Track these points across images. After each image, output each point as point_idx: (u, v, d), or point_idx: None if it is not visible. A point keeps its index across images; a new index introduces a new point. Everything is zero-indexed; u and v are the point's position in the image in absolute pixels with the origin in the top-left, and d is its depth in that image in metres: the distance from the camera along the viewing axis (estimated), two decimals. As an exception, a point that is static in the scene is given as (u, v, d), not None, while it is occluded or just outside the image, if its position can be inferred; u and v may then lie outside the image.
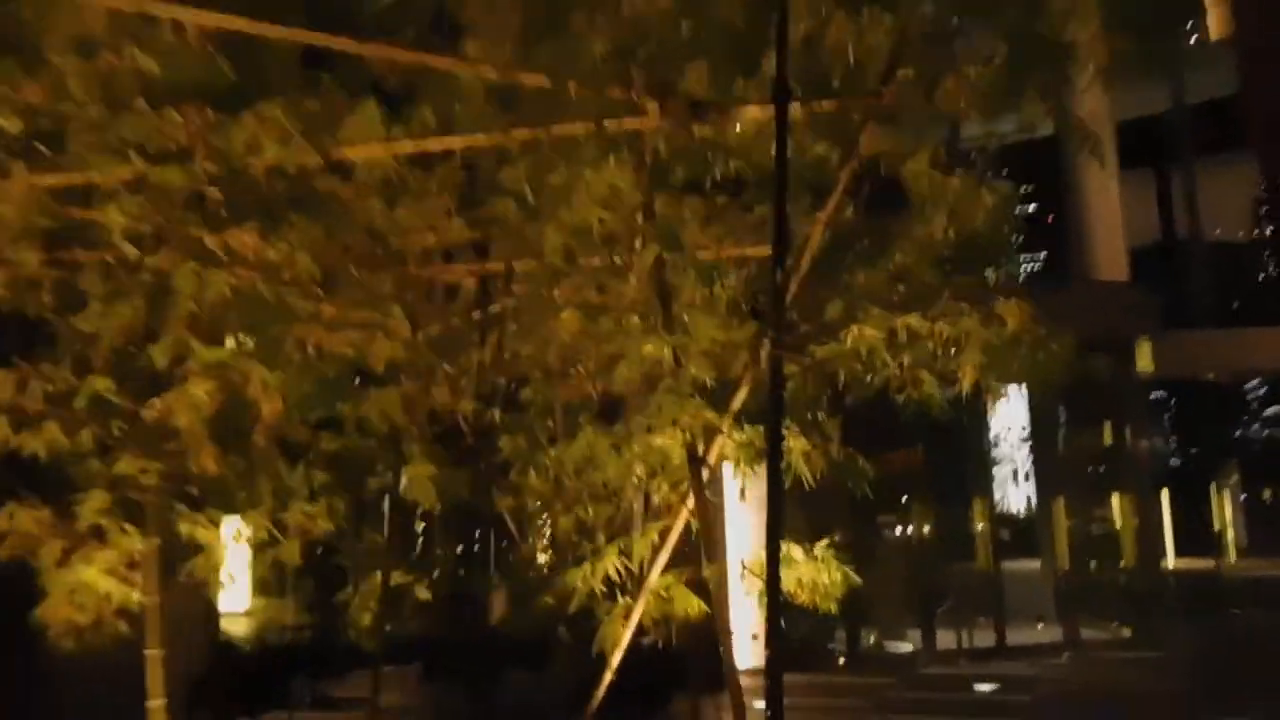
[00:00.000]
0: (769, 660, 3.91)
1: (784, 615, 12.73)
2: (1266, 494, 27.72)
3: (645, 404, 4.98)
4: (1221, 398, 25.56)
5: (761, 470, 4.41)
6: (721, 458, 5.03)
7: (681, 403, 4.79)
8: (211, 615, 10.55)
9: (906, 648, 14.76)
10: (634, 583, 5.22)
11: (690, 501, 5.09)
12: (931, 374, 4.76)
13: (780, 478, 3.99)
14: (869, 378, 4.84)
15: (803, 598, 5.20)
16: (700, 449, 4.93)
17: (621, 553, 5.21)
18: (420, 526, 13.75)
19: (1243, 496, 26.81)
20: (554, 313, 5.15)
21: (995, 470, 41.63)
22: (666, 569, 5.26)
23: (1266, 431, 27.74)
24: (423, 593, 6.38)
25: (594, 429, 5.22)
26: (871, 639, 14.93)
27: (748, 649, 13.74)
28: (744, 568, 5.52)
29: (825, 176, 4.83)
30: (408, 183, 4.90)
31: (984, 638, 15.09)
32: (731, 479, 5.28)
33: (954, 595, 15.49)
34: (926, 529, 15.24)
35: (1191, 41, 26.71)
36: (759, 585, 5.24)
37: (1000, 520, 33.45)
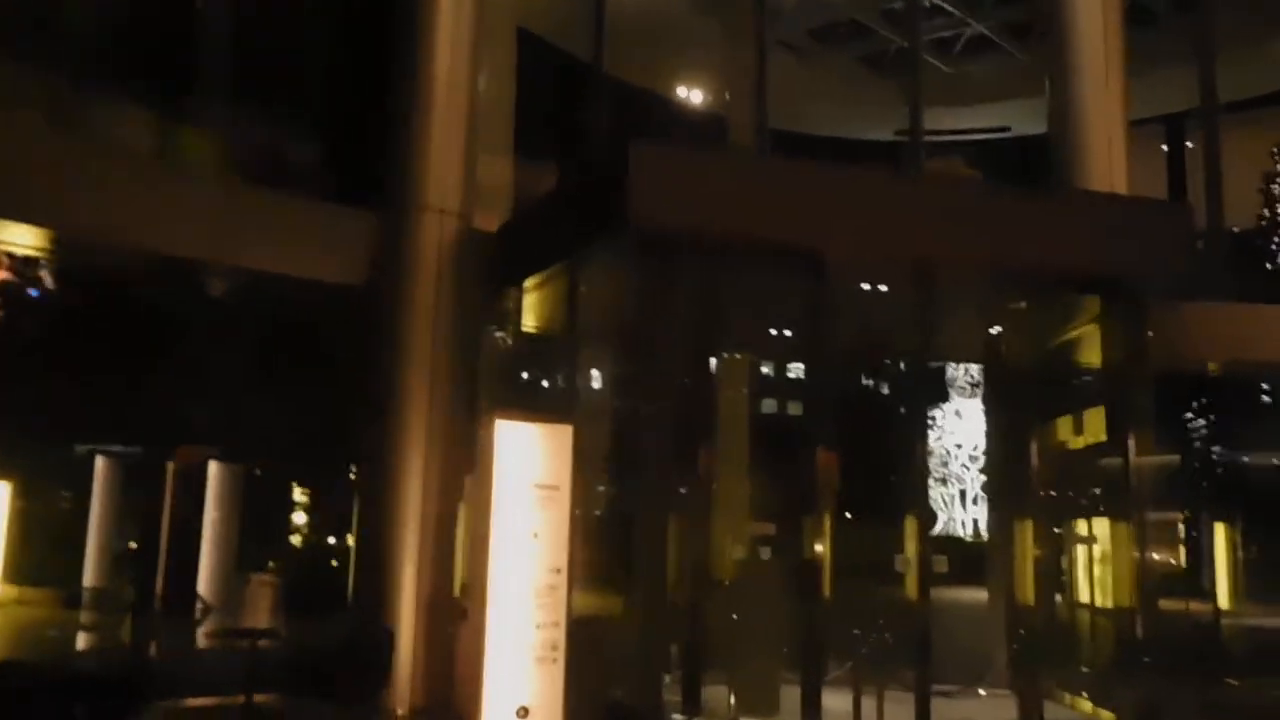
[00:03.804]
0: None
1: (595, 669, 6.88)
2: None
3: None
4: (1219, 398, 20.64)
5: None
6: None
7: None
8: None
9: (775, 730, 9.42)
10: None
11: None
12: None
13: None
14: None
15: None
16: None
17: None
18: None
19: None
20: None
21: (943, 490, 37.27)
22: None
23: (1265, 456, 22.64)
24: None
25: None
26: (730, 704, 9.62)
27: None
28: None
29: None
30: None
31: (899, 712, 9.83)
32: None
33: (861, 645, 10.23)
34: (821, 548, 9.87)
35: None
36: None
37: (943, 545, 28.66)
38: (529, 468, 7.97)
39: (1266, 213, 22.56)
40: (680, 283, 9.02)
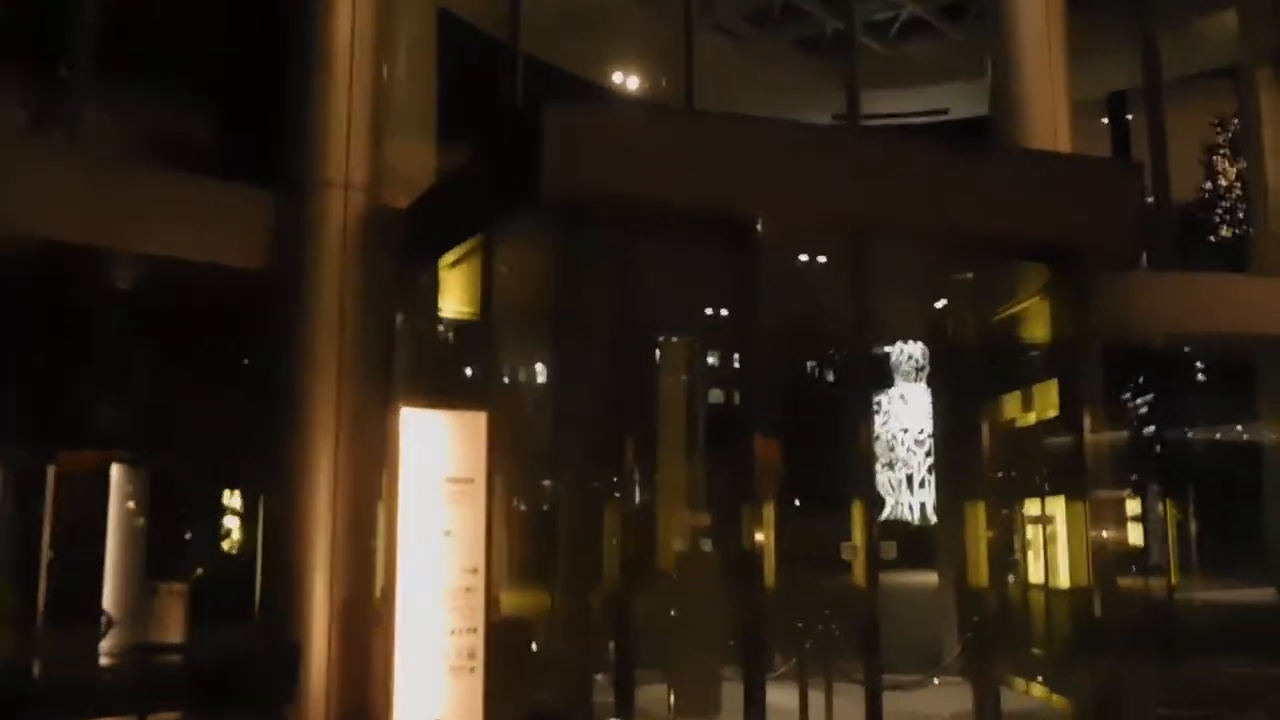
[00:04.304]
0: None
1: (519, 674, 6.28)
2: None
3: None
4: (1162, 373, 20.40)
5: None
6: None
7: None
8: None
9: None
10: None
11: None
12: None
13: None
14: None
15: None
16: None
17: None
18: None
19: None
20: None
21: (890, 475, 37.11)
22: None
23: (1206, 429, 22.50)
24: None
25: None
26: (669, 705, 9.00)
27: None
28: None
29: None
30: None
31: (848, 706, 9.28)
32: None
33: (806, 637, 9.67)
34: (762, 537, 9.25)
35: None
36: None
37: (891, 530, 28.39)
38: (439, 459, 7.26)
39: (1208, 185, 22.29)
40: (603, 256, 8.35)
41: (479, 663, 7.16)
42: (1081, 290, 9.87)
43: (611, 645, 8.21)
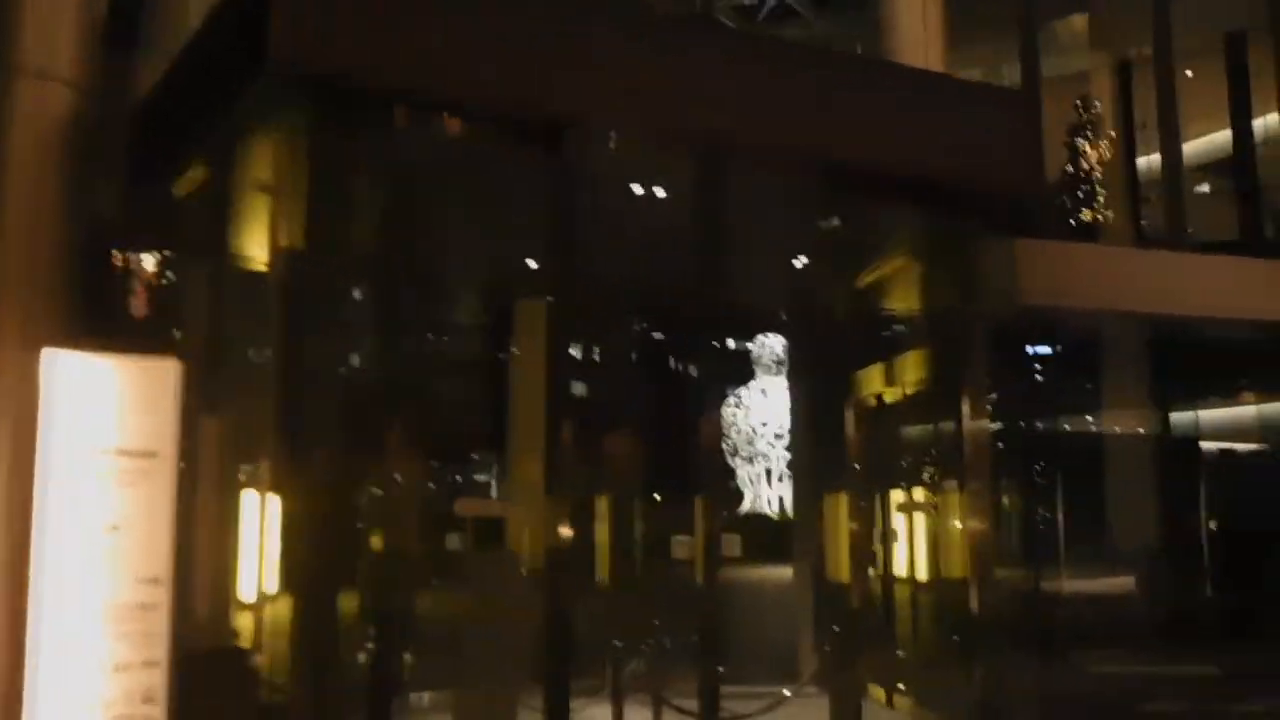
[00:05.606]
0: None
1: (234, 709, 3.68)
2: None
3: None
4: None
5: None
6: None
7: None
8: None
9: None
10: None
11: None
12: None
13: None
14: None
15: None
16: None
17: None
18: None
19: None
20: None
21: (750, 469, 36.04)
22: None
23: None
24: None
25: None
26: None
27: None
28: None
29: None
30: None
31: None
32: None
33: (632, 651, 7.85)
34: (568, 531, 7.36)
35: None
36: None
37: (751, 523, 27.16)
38: (104, 424, 5.07)
39: (1070, 167, 21.46)
40: (370, 174, 6.31)
41: (160, 708, 5.03)
42: (967, 247, 8.30)
43: (369, 668, 6.17)
